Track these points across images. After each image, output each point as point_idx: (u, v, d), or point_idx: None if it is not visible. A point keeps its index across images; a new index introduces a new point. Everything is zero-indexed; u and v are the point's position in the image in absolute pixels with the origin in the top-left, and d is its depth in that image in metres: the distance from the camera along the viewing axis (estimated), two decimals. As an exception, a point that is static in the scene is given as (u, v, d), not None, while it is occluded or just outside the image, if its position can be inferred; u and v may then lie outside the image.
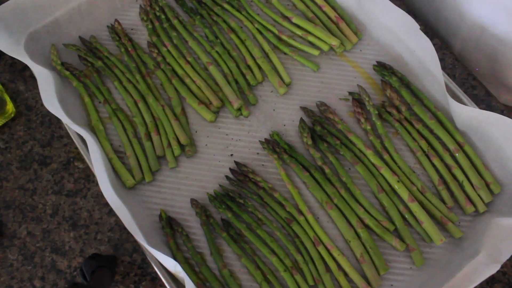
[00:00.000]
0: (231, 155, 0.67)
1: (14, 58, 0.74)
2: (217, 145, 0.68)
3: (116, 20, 0.75)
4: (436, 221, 0.61)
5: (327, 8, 0.74)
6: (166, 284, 0.56)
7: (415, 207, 0.60)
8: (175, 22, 0.75)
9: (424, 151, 0.64)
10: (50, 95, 0.63)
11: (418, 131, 0.65)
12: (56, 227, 0.65)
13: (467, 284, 0.52)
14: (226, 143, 0.68)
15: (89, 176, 0.67)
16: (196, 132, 0.69)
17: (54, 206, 0.66)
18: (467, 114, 0.61)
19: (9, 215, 0.65)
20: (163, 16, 0.75)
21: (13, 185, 0.67)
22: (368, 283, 0.58)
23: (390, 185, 0.62)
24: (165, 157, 0.66)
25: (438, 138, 0.65)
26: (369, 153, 0.63)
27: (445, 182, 0.63)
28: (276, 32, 0.73)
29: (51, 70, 0.68)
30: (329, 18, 0.74)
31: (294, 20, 0.73)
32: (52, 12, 0.71)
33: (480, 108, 0.67)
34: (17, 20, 0.68)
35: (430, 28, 0.80)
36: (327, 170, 0.64)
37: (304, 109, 0.69)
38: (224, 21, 0.75)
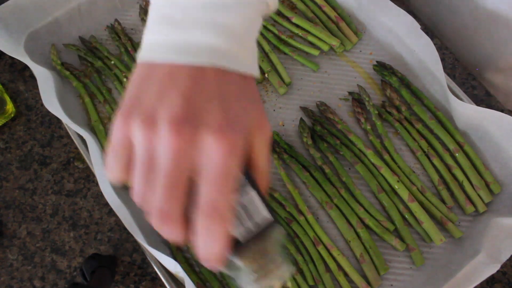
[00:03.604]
0: (231, 155, 0.67)
1: (14, 58, 0.74)
2: (217, 145, 0.67)
3: (116, 20, 0.75)
4: (436, 221, 0.61)
5: (327, 8, 0.74)
6: (166, 284, 0.56)
7: (415, 207, 0.60)
8: (175, 22, 0.75)
9: (424, 151, 0.64)
10: (50, 95, 0.63)
11: (418, 131, 0.65)
12: (56, 227, 0.65)
13: (467, 284, 0.52)
14: (226, 143, 0.67)
15: (89, 176, 0.67)
16: (196, 132, 0.68)
17: (54, 206, 0.66)
18: (468, 112, 0.61)
19: (9, 215, 0.66)
20: (163, 16, 0.75)
21: (13, 185, 0.67)
22: (368, 283, 0.58)
23: (390, 185, 0.62)
24: (165, 157, 0.66)
25: (438, 138, 0.65)
26: (369, 153, 0.63)
27: (445, 182, 0.63)
28: (276, 32, 0.73)
29: (51, 70, 0.68)
30: (329, 18, 0.74)
31: (294, 20, 0.73)
32: (52, 12, 0.71)
33: (480, 108, 0.67)
34: (17, 20, 0.68)
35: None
36: (327, 170, 0.64)
37: (304, 109, 0.69)
38: (224, 21, 0.75)
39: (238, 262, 0.31)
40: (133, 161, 0.30)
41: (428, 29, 0.74)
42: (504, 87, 0.73)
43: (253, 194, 0.32)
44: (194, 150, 0.29)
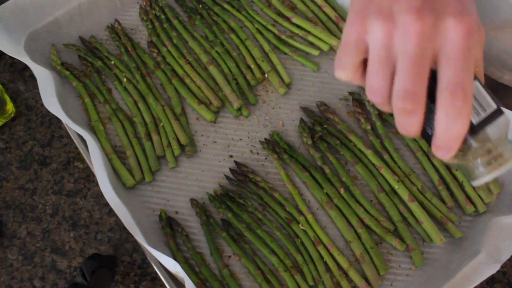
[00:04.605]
0: (231, 155, 0.67)
1: (14, 58, 0.74)
2: (217, 145, 0.68)
3: (116, 20, 0.75)
4: (436, 221, 0.61)
5: (327, 8, 0.74)
6: (166, 284, 0.56)
7: (415, 207, 0.60)
8: (175, 22, 0.75)
9: (424, 151, 0.64)
10: (50, 95, 0.63)
11: (418, 131, 0.65)
12: (56, 227, 0.65)
13: (467, 284, 0.52)
14: (226, 143, 0.68)
15: (89, 176, 0.67)
16: (196, 132, 0.69)
17: (54, 206, 0.66)
18: None
19: (9, 215, 0.66)
20: (163, 16, 0.75)
21: (13, 185, 0.67)
22: (368, 283, 0.58)
23: (390, 185, 0.62)
24: (165, 157, 0.66)
25: (438, 138, 0.65)
26: (369, 153, 0.64)
27: (445, 182, 0.63)
28: (276, 32, 0.73)
29: (51, 70, 0.68)
30: (329, 18, 0.74)
31: (294, 20, 0.73)
32: (52, 12, 0.71)
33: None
34: (17, 20, 0.68)
35: None
36: (327, 170, 0.64)
37: (304, 109, 0.69)
38: (224, 21, 0.75)
39: (474, 143, 0.32)
40: (369, 58, 0.32)
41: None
42: (496, 46, 0.74)
43: (477, 83, 0.33)
44: (436, 34, 0.30)
